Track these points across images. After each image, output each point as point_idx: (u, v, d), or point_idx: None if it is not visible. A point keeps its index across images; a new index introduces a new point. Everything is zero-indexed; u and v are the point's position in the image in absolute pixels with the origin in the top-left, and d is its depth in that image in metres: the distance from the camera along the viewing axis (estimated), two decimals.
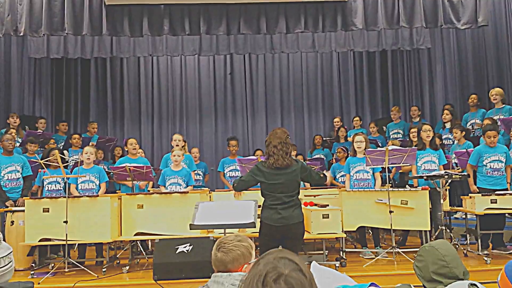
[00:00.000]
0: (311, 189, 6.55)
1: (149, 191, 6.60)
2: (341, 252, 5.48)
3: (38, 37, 8.26)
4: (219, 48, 9.40)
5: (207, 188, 6.81)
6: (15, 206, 5.81)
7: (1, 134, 7.16)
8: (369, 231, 6.29)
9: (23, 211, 5.33)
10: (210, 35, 8.46)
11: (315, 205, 5.39)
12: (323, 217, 5.14)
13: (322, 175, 4.21)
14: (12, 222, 5.53)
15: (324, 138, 9.18)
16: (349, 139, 8.08)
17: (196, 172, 7.20)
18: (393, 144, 6.64)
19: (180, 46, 9.40)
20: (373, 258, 5.41)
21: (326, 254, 5.35)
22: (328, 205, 5.33)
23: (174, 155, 6.21)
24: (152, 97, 10.77)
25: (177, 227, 5.38)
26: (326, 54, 10.71)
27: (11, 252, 2.50)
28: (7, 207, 5.76)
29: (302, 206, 5.47)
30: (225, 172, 7.27)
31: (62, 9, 7.00)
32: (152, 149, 10.51)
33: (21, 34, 7.30)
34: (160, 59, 10.72)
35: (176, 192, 5.73)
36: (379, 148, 6.20)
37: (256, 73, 10.84)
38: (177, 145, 6.71)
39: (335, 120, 9.54)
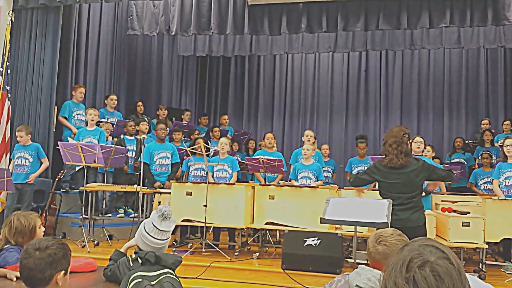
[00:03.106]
0: (448, 194, 6.14)
1: (279, 183, 6.81)
2: (480, 264, 5.05)
3: (186, 36, 9.04)
4: (355, 45, 9.28)
5: (336, 185, 6.78)
6: (163, 188, 6.46)
7: (153, 124, 8.02)
8: None
9: (169, 193, 5.91)
10: (347, 31, 8.38)
11: (454, 211, 5.04)
12: (462, 225, 4.80)
13: (450, 172, 3.90)
14: (159, 203, 6.16)
15: (466, 141, 8.49)
16: (497, 144, 7.37)
17: (325, 169, 7.22)
18: None
19: (315, 44, 9.49)
20: None
21: (463, 265, 4.97)
22: (469, 213, 4.95)
23: (304, 149, 6.33)
24: (285, 94, 11.08)
25: (305, 220, 5.48)
26: (472, 51, 9.91)
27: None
28: (155, 188, 6.44)
29: (439, 211, 5.21)
30: (352, 172, 7.16)
31: (209, 9, 7.54)
32: (283, 144, 10.81)
33: (173, 33, 8.01)
34: (295, 57, 10.97)
35: (305, 186, 5.82)
36: None
37: (392, 70, 10.47)
38: (308, 141, 6.81)
39: (483, 122, 8.71)
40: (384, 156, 3.84)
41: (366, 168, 4.35)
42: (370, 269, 1.98)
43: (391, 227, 3.56)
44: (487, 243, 5.08)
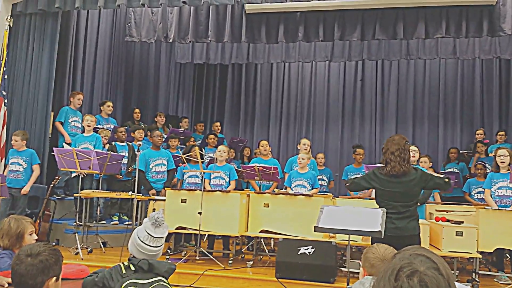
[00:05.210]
0: (442, 204, 6.16)
1: (274, 191, 6.81)
2: (473, 274, 5.06)
3: (184, 44, 9.07)
4: (351, 54, 9.33)
5: (330, 194, 6.79)
6: (158, 196, 6.45)
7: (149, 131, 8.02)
8: (507, 255, 5.70)
9: (164, 200, 5.91)
10: (344, 41, 8.44)
11: (448, 221, 5.06)
12: (456, 234, 4.81)
13: (447, 180, 3.88)
14: (154, 209, 6.14)
15: (460, 151, 8.54)
16: (491, 154, 7.41)
17: (320, 177, 7.23)
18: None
19: (312, 53, 9.54)
20: (510, 284, 4.90)
21: (457, 274, 4.99)
22: (462, 222, 4.97)
23: (299, 158, 6.35)
24: (281, 102, 11.13)
25: (299, 228, 5.47)
26: (468, 61, 9.98)
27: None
28: (150, 195, 6.43)
29: (433, 221, 5.23)
30: None
31: (207, 17, 7.59)
32: (279, 151, 10.82)
33: (171, 40, 8.05)
34: (291, 65, 11.02)
35: (300, 194, 5.82)
36: None
37: (388, 80, 10.53)
38: (305, 149, 6.83)
39: (478, 132, 8.78)
40: (383, 165, 3.82)
41: (362, 174, 4.34)
42: (373, 277, 1.99)
43: (388, 235, 3.57)
44: (481, 252, 5.08)
